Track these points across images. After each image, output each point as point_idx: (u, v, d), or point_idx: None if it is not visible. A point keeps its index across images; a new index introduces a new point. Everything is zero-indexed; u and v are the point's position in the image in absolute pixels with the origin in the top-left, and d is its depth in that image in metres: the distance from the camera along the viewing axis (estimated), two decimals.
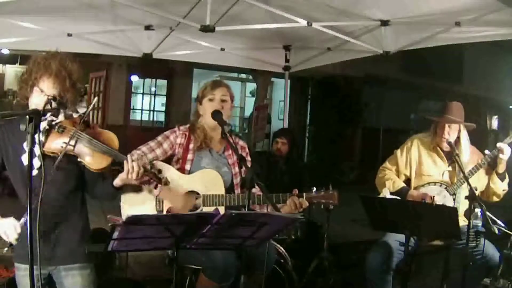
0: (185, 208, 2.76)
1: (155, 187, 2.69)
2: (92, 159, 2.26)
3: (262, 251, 2.67)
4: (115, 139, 2.35)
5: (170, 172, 2.79)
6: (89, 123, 2.36)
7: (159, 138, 2.91)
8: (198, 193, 2.81)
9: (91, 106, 2.39)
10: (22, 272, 2.28)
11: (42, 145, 2.11)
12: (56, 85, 2.23)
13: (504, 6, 3.28)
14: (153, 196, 2.75)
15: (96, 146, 2.26)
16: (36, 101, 2.22)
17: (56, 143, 2.21)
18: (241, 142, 3.08)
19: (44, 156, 2.08)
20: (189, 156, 2.89)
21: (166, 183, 2.50)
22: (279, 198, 2.79)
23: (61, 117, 2.23)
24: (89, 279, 2.40)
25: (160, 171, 2.48)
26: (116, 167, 2.40)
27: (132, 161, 2.32)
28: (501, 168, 3.37)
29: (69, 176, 2.34)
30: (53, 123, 2.20)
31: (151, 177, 2.45)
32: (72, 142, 2.20)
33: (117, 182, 2.39)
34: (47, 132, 2.20)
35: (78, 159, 2.26)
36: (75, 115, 2.17)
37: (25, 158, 2.23)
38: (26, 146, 2.16)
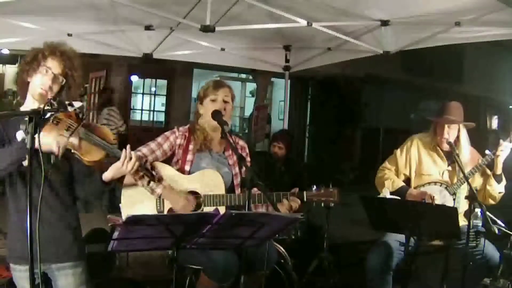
0: (186, 208, 2.75)
1: (148, 184, 2.67)
2: (86, 151, 2.25)
3: (263, 250, 2.67)
4: (110, 134, 2.36)
5: (169, 172, 2.80)
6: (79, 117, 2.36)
7: (159, 139, 2.90)
8: (198, 193, 2.81)
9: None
10: (18, 273, 2.26)
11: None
12: (64, 63, 2.26)
13: (504, 6, 3.28)
14: (154, 196, 2.75)
15: (91, 139, 2.25)
16: (40, 81, 2.24)
17: (50, 134, 2.19)
18: (241, 142, 3.07)
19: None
20: (189, 157, 2.88)
21: (160, 180, 2.50)
22: (279, 197, 2.79)
23: None
24: (82, 278, 2.36)
25: (153, 167, 2.47)
26: None
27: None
28: (498, 169, 3.37)
29: (60, 172, 2.33)
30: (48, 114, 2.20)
31: (145, 173, 2.45)
32: (73, 138, 2.19)
33: (107, 174, 2.33)
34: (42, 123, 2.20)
35: (72, 151, 2.24)
36: (70, 109, 2.17)
37: None
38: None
